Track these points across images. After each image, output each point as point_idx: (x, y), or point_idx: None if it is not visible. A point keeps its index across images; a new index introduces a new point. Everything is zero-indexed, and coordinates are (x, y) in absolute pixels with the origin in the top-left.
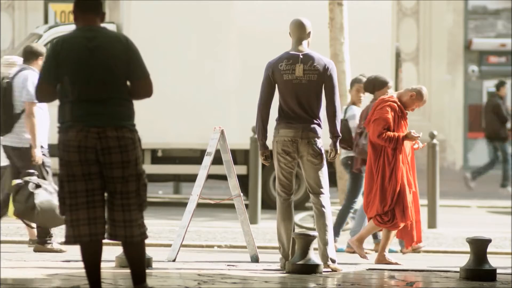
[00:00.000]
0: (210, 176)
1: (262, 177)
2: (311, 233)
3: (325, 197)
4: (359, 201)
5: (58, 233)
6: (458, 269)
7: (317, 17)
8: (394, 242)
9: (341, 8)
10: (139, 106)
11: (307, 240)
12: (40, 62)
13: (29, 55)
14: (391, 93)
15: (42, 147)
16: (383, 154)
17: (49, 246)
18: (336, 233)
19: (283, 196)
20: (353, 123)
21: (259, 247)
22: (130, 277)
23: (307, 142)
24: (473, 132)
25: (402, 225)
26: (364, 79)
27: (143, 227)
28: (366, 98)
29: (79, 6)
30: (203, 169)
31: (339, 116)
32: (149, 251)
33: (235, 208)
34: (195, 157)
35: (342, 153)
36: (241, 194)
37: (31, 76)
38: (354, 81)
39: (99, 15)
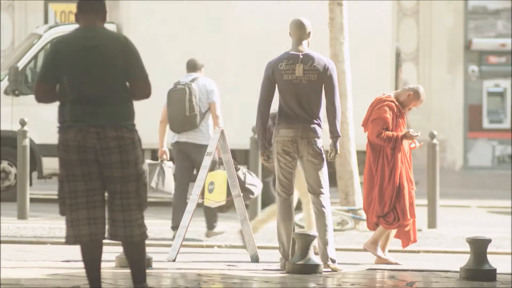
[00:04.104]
0: None
1: (262, 177)
2: (311, 233)
3: (325, 197)
4: None
5: (59, 232)
6: (458, 269)
7: (317, 17)
8: (393, 242)
9: (341, 8)
10: (139, 106)
11: (307, 240)
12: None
13: (195, 66)
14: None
15: None
16: (382, 154)
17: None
18: None
19: (283, 196)
20: None
21: (259, 247)
22: (130, 277)
23: (307, 142)
24: (473, 132)
25: (408, 223)
26: None
27: (143, 227)
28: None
29: (81, 6)
30: (203, 169)
31: (339, 116)
32: (149, 251)
33: (235, 208)
34: None
35: None
36: (241, 194)
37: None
38: None
39: (99, 15)
